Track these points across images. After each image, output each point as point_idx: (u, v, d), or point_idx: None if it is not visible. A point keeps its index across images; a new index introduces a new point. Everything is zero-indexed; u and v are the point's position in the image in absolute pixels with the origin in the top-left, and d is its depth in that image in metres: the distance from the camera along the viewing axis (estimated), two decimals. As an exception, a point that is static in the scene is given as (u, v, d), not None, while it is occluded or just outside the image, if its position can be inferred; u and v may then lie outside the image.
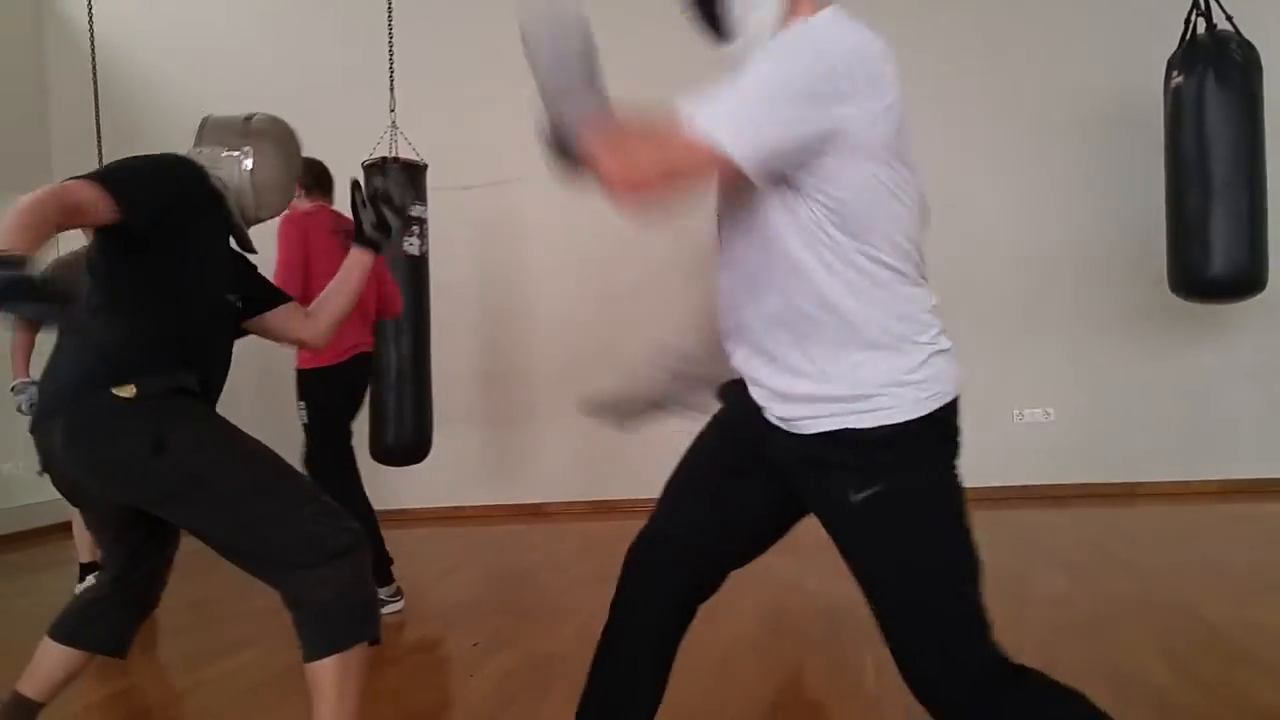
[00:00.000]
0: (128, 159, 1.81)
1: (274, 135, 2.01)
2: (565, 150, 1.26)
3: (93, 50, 4.56)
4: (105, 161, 4.18)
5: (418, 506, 5.13)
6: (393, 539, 4.84)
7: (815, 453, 1.27)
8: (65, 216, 1.58)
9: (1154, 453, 4.76)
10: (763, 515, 1.42)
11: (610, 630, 1.48)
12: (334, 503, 1.74)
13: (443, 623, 3.21)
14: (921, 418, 1.24)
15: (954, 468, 1.30)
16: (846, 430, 1.24)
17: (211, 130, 1.99)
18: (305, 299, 2.30)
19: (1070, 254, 4.81)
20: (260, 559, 1.69)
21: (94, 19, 4.53)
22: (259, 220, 2.01)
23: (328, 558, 1.63)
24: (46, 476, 1.81)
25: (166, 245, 1.74)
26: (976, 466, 5.20)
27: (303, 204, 3.04)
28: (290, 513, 1.66)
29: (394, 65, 4.17)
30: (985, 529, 3.95)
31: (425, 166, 4.05)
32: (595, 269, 5.14)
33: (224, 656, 2.79)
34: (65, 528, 3.85)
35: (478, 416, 5.28)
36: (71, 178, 1.64)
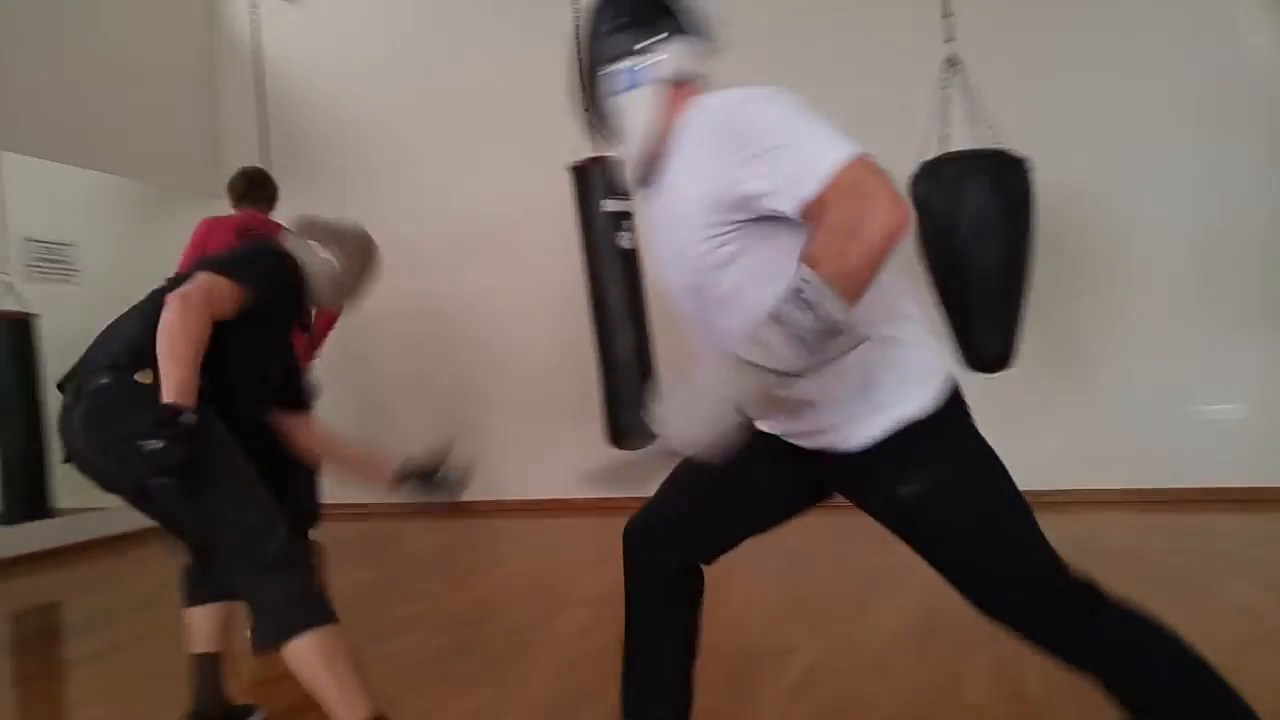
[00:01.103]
0: (249, 254, 2.18)
1: (360, 243, 2.31)
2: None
3: (257, 58, 5.22)
4: (271, 160, 4.81)
5: (570, 497, 5.16)
6: (541, 528, 5.10)
7: (855, 462, 1.32)
8: (207, 330, 1.85)
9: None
10: (782, 494, 1.51)
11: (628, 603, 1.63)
12: (282, 518, 1.91)
13: (593, 611, 3.25)
14: (941, 402, 1.29)
15: (976, 431, 1.34)
16: (880, 434, 1.29)
17: (311, 227, 2.27)
18: None
19: (1258, 234, 4.33)
20: (217, 551, 1.91)
21: (257, 26, 5.15)
22: (317, 305, 2.32)
23: (267, 567, 1.83)
24: (72, 468, 1.98)
25: (246, 320, 1.98)
26: (1152, 465, 4.79)
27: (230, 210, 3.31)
28: (244, 520, 1.86)
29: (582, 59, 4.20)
30: (1162, 534, 3.72)
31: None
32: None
33: (389, 638, 2.97)
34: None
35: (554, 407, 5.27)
36: (202, 271, 1.94)
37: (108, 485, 1.98)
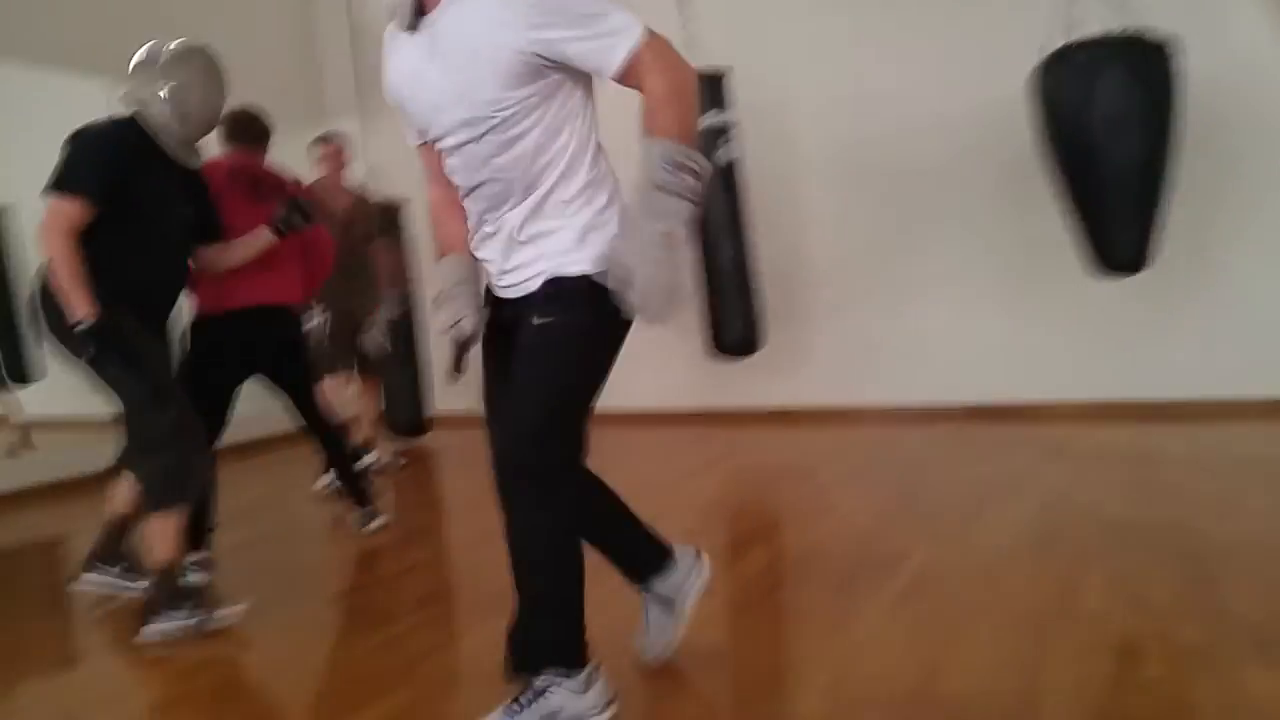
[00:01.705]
0: (71, 150, 2.31)
1: (186, 61, 2.40)
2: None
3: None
4: (363, 101, 5.44)
5: (673, 409, 5.32)
6: (641, 438, 4.89)
7: (527, 301, 1.59)
8: (76, 247, 2.24)
9: None
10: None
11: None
12: (171, 405, 2.35)
13: (700, 516, 3.28)
14: (592, 275, 1.53)
15: (616, 325, 1.57)
16: (547, 281, 1.56)
17: (134, 73, 2.41)
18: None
19: None
20: (126, 431, 2.44)
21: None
22: (196, 139, 2.50)
23: (146, 446, 2.36)
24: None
25: (121, 197, 2.32)
26: None
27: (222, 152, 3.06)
28: (135, 404, 2.33)
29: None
30: None
31: (724, 74, 4.11)
32: (868, 165, 4.81)
33: (495, 540, 3.04)
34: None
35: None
36: (53, 194, 2.24)
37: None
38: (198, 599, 2.40)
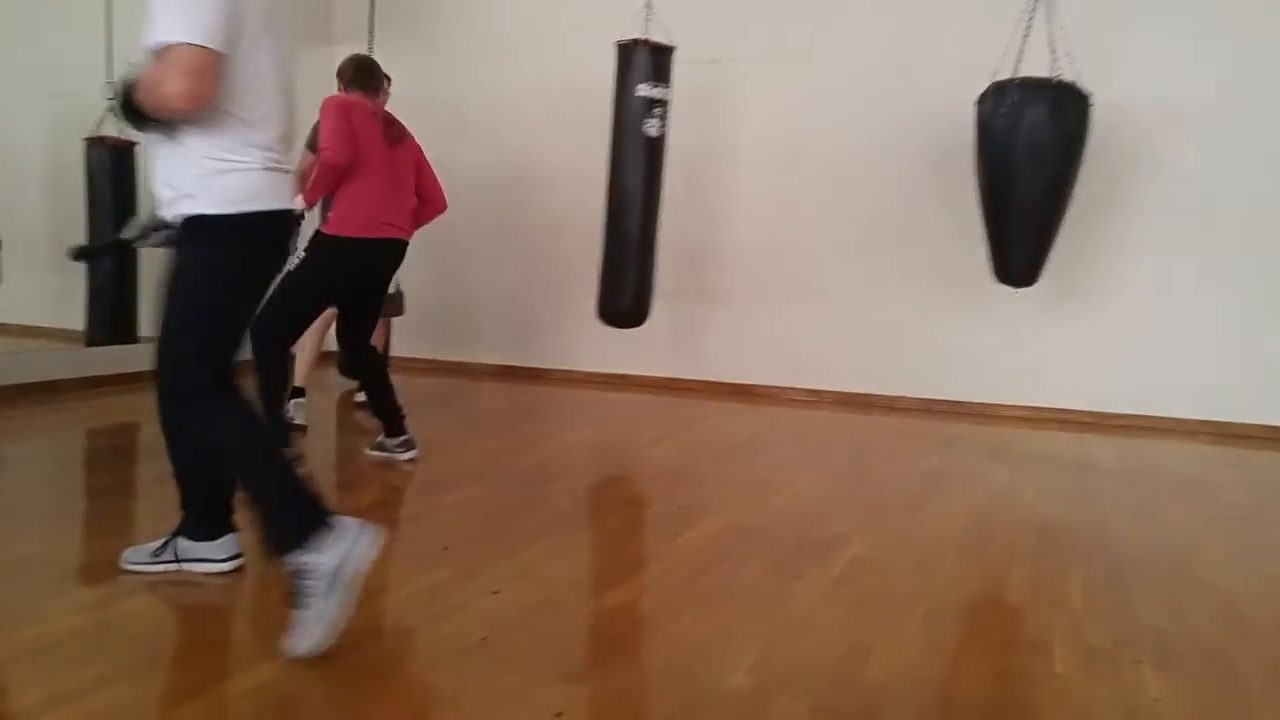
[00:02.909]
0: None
1: None
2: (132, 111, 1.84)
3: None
4: (376, 26, 5.24)
5: (637, 373, 5.48)
6: (608, 402, 5.04)
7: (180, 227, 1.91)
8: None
9: None
10: None
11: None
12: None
13: (654, 484, 3.39)
14: (217, 215, 1.86)
15: (233, 253, 1.91)
16: (182, 216, 1.89)
17: None
18: (353, 166, 3.13)
19: None
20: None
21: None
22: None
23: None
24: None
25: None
26: (1222, 398, 4.64)
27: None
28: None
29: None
30: (1224, 466, 4.10)
31: (673, 49, 4.19)
32: (806, 150, 5.13)
33: (452, 489, 3.07)
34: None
35: (690, 293, 5.36)
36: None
37: None
38: None
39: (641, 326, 4.45)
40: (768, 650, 1.89)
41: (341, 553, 1.72)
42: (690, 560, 2.44)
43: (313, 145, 3.73)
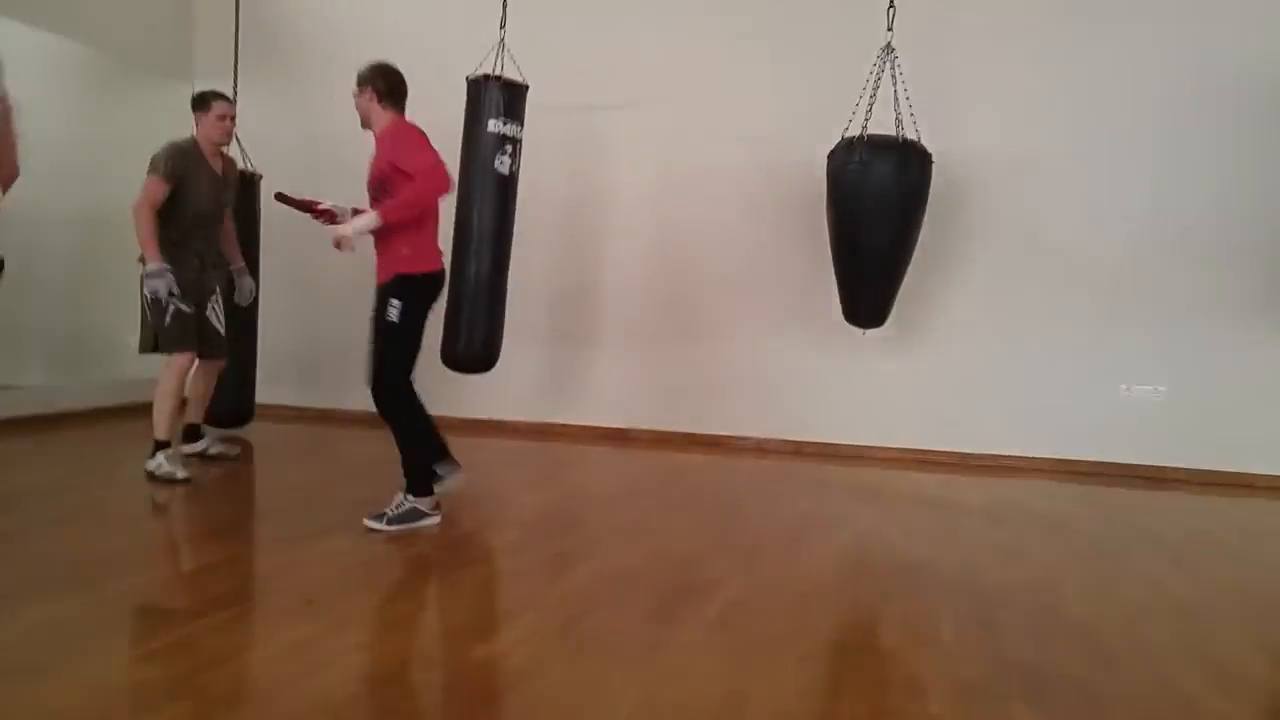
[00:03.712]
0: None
1: None
2: None
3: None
4: (240, 62, 5.19)
5: (509, 419, 5.48)
6: (480, 447, 4.70)
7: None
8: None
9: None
10: None
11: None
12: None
13: (526, 531, 3.28)
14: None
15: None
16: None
17: None
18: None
19: (1199, 230, 4.65)
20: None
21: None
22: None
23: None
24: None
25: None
26: (1075, 437, 4.97)
27: (388, 113, 3.14)
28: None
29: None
30: (1080, 503, 4.32)
31: (526, 87, 4.12)
32: (676, 194, 5.26)
33: (319, 539, 2.91)
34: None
35: (562, 335, 5.46)
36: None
37: None
38: None
39: (492, 371, 4.26)
40: (646, 698, 1.82)
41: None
42: (565, 608, 2.37)
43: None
